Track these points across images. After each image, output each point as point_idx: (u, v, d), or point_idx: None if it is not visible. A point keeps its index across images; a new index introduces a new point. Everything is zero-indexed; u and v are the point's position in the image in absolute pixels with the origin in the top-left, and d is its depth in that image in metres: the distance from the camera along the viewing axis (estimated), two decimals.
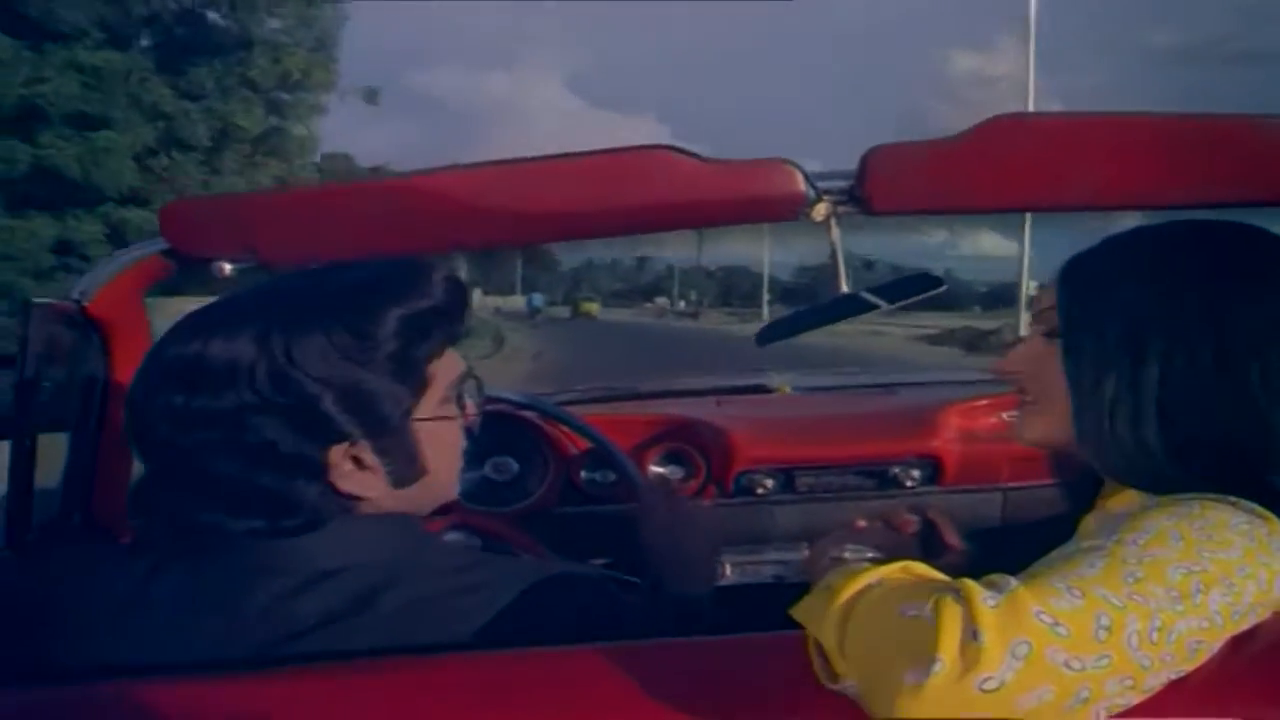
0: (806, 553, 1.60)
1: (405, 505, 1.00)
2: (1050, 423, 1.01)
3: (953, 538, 1.16)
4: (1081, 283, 1.01)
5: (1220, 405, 0.91)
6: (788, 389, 2.46)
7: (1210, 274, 0.95)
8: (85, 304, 1.28)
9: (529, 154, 1.17)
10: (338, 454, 0.94)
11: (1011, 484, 1.87)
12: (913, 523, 1.15)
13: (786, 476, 1.91)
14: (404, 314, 0.96)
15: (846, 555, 1.00)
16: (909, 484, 1.89)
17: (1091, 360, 0.96)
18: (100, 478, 1.36)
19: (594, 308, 63.02)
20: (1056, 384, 0.99)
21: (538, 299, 52.81)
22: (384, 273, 1.00)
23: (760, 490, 1.90)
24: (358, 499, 0.96)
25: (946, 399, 2.01)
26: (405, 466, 0.98)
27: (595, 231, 1.23)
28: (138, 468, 1.23)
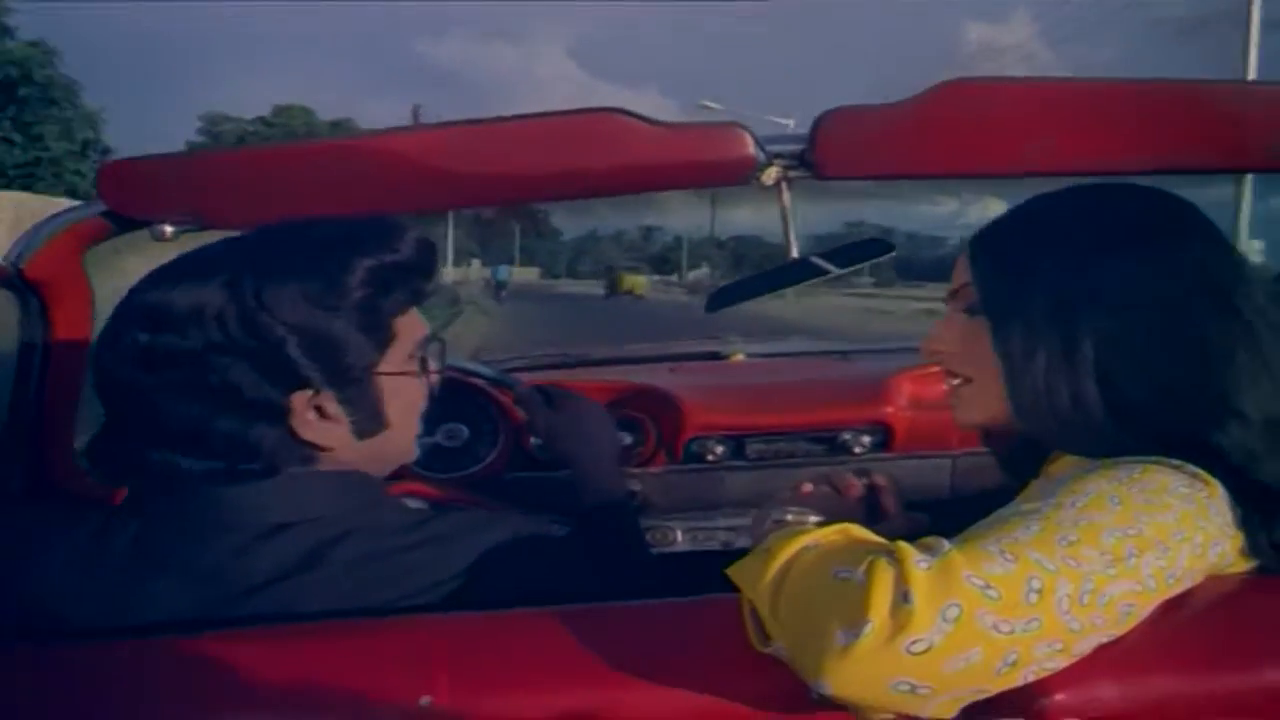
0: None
1: (366, 458, 1.01)
2: (987, 401, 1.00)
3: (894, 503, 1.16)
4: (996, 257, 1.00)
5: (1155, 362, 0.91)
6: (741, 355, 2.46)
7: (1123, 234, 0.96)
8: (21, 266, 1.25)
9: None
10: (300, 401, 0.96)
11: (960, 451, 1.89)
12: (857, 486, 1.15)
13: (737, 443, 1.91)
14: (372, 265, 0.98)
15: (789, 518, 1.00)
16: (859, 450, 1.90)
17: (1020, 333, 0.95)
18: (42, 439, 1.34)
19: (640, 283, 43.92)
20: (985, 361, 0.98)
21: (504, 271, 44.25)
22: (356, 228, 1.01)
23: (710, 457, 1.90)
24: (318, 449, 0.98)
25: (899, 366, 2.02)
26: (367, 419, 1.00)
27: (544, 194, 1.22)
28: (88, 426, 1.21)
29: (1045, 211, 1.02)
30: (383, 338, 1.00)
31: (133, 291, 0.98)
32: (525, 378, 1.81)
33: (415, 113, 42.76)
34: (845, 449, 1.90)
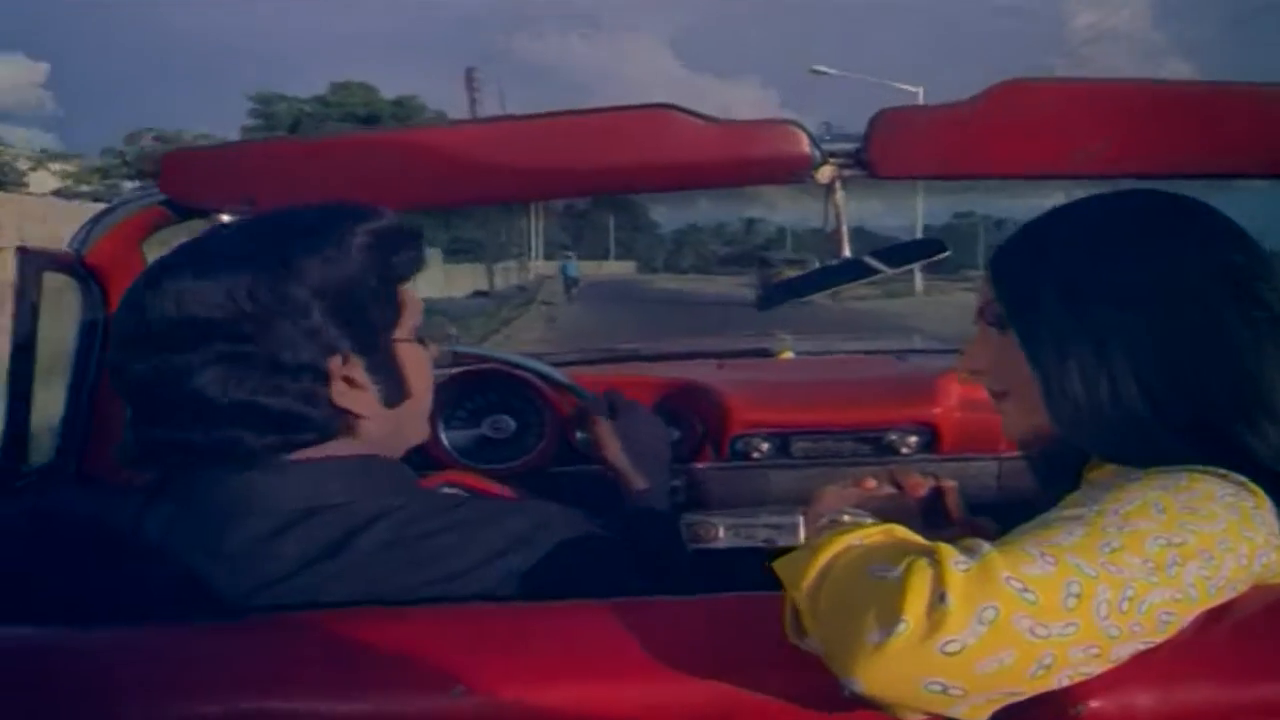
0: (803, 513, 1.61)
1: (393, 429, 1.03)
2: (1026, 413, 1.00)
3: (958, 507, 1.15)
4: (1015, 272, 1.00)
5: (1182, 362, 0.90)
6: (790, 353, 2.45)
7: (1138, 235, 0.95)
8: (84, 253, 1.28)
9: None
10: (335, 366, 0.97)
11: (1008, 453, 1.87)
12: (922, 486, 1.14)
13: (782, 441, 1.90)
14: (372, 228, 1.00)
15: (845, 519, 1.00)
16: (905, 450, 1.89)
17: (1051, 345, 0.94)
18: (97, 425, 1.36)
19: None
20: (1022, 374, 0.97)
21: (573, 266, 40.16)
22: (341, 205, 1.04)
23: (756, 454, 1.89)
24: (355, 415, 0.99)
25: (948, 367, 2.00)
26: (393, 387, 1.02)
27: (599, 189, 1.23)
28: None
29: (1060, 221, 1.01)
30: (394, 303, 1.03)
31: (148, 276, 0.99)
32: (573, 372, 1.81)
33: (469, 76, 42.70)
34: (891, 449, 1.89)
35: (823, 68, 33.24)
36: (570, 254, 47.77)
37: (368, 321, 1.00)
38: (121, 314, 0.99)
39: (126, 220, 1.27)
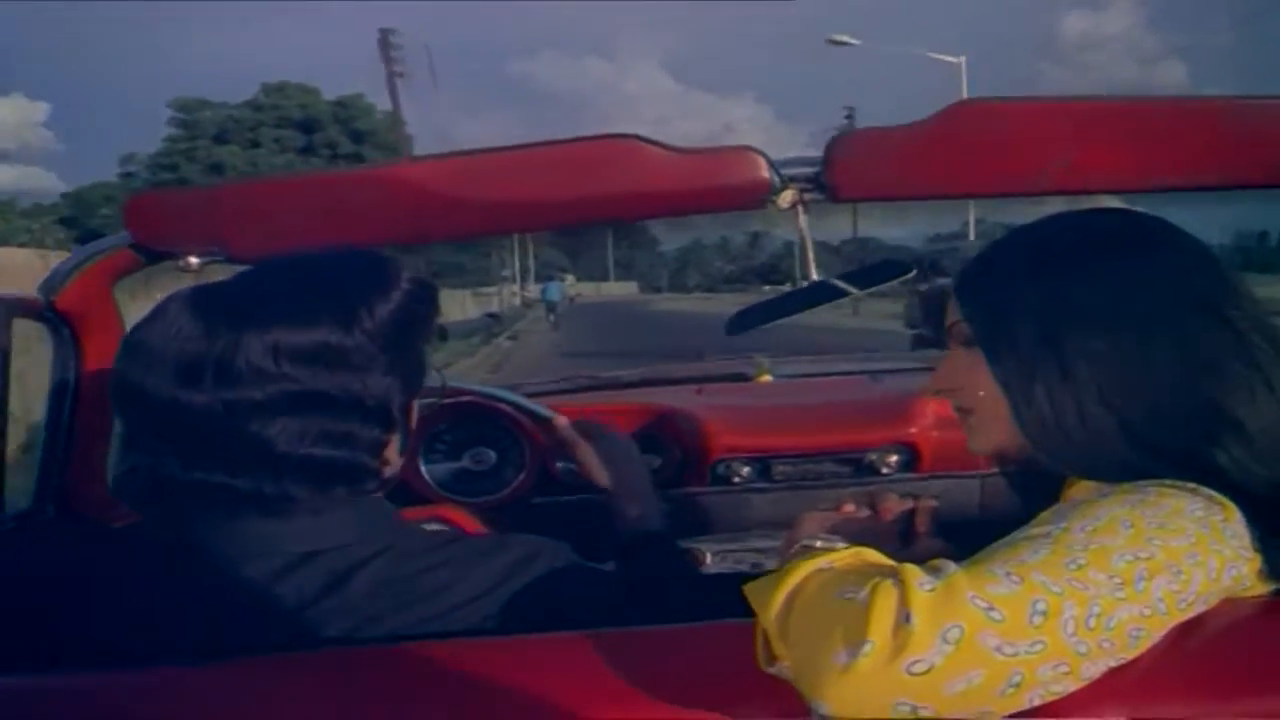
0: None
1: (395, 474, 1.05)
2: (997, 432, 1.00)
3: (923, 529, 1.15)
4: (981, 292, 1.00)
5: (1147, 379, 0.90)
6: (768, 376, 2.46)
7: (1102, 254, 0.95)
8: (53, 298, 1.28)
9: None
10: (397, 414, 1.00)
11: (989, 471, 1.87)
12: (897, 508, 1.14)
13: (763, 465, 1.90)
14: (415, 278, 1.03)
15: (817, 545, 1.00)
16: (885, 471, 1.89)
17: (1016, 364, 0.95)
18: (74, 468, 1.36)
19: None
20: (990, 392, 0.98)
21: (555, 289, 36.09)
22: (380, 258, 1.05)
23: (737, 479, 1.90)
24: (386, 464, 1.02)
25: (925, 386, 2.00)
26: (407, 435, 1.05)
27: (563, 221, 1.23)
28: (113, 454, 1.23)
29: (1022, 241, 1.02)
30: (423, 353, 1.06)
31: (207, 309, 0.96)
32: (550, 401, 1.82)
33: (384, 41, 41.51)
34: (872, 470, 1.90)
35: (844, 37, 29.21)
36: (554, 275, 45.05)
37: (413, 370, 1.03)
38: (177, 343, 0.94)
39: (95, 265, 1.27)
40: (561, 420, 1.54)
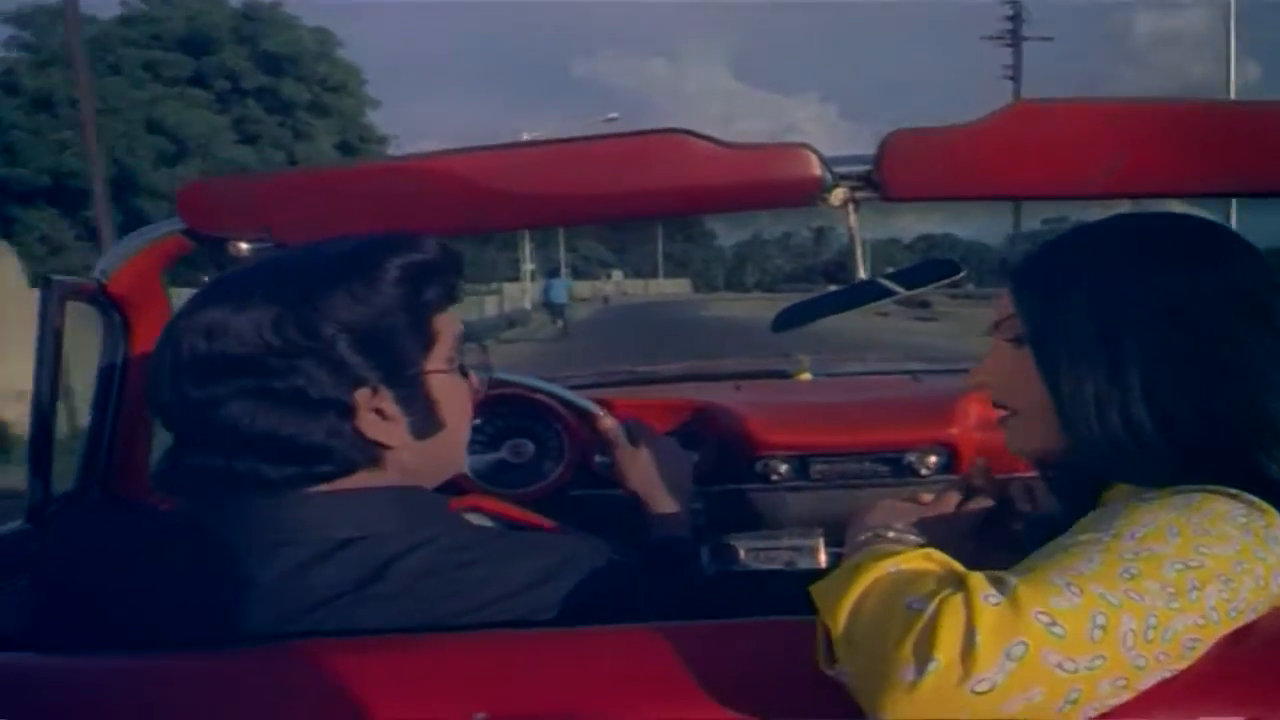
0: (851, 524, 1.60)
1: (425, 460, 1.04)
2: (1036, 431, 1.00)
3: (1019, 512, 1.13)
4: (1039, 287, 1.00)
5: (1198, 385, 0.90)
6: (808, 374, 2.45)
7: (1161, 258, 0.95)
8: (105, 282, 1.30)
9: None
10: (362, 398, 0.98)
11: (1029, 473, 1.86)
12: (969, 506, 1.12)
13: (801, 462, 1.90)
14: (403, 263, 1.01)
15: (890, 535, 0.99)
16: (925, 472, 1.88)
17: (1067, 363, 0.94)
18: (119, 452, 1.38)
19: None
20: (1034, 391, 0.97)
21: (560, 289, 29.12)
22: (379, 236, 1.05)
23: (774, 476, 1.89)
24: (383, 447, 1.00)
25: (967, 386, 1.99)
26: (424, 418, 1.02)
27: (612, 215, 1.24)
28: (158, 444, 1.24)
29: (1083, 240, 1.01)
30: (426, 335, 1.03)
31: (186, 309, 1.01)
32: (591, 394, 1.82)
33: None
34: (910, 470, 1.88)
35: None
36: (557, 271, 36.28)
37: (397, 354, 1.01)
38: (160, 346, 1.00)
39: (146, 249, 1.29)
40: (608, 422, 1.54)
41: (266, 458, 0.96)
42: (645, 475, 1.44)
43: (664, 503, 1.42)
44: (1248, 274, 0.95)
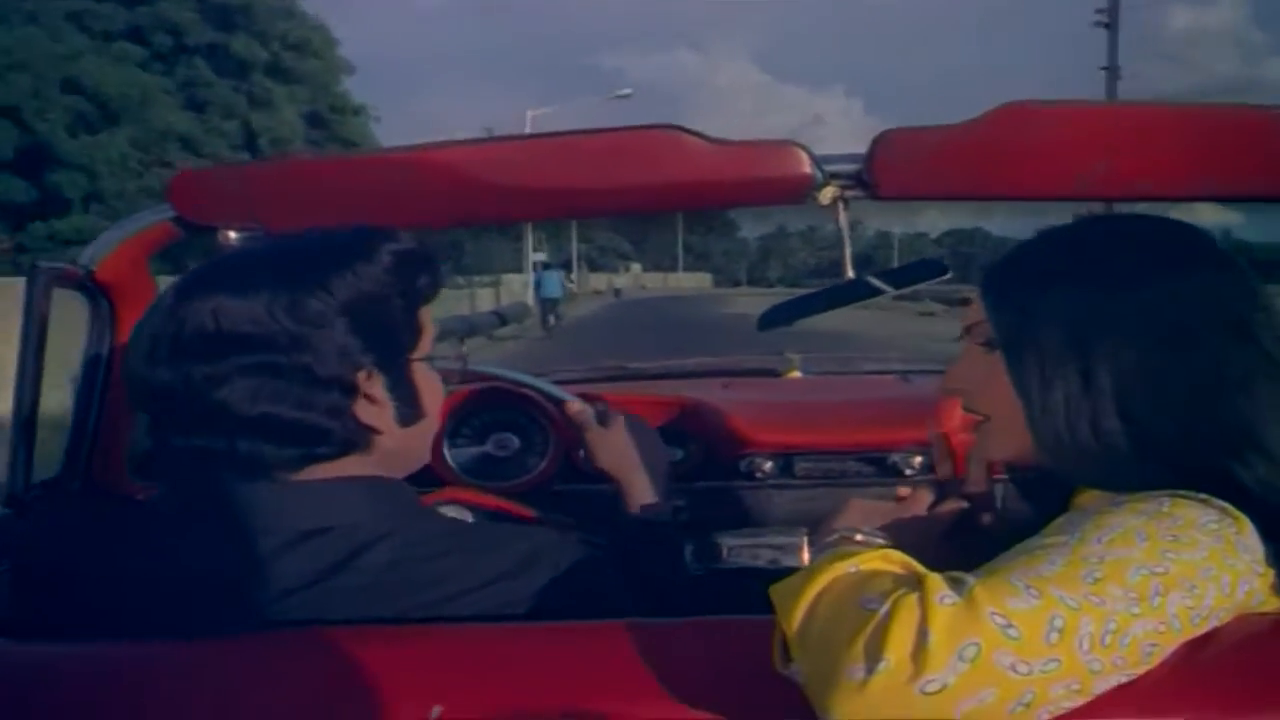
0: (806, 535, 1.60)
1: (404, 448, 1.05)
2: (1008, 437, 0.99)
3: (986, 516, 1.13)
4: (1010, 292, 0.99)
5: (1174, 394, 0.90)
6: (797, 372, 2.45)
7: (1136, 264, 0.94)
8: (93, 269, 1.29)
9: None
10: (361, 380, 0.99)
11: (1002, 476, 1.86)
12: (940, 507, 1.12)
13: (786, 461, 1.90)
14: (397, 249, 1.03)
15: (858, 538, 0.98)
16: (909, 472, 1.88)
17: (1037, 368, 0.93)
18: (103, 440, 1.37)
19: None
20: (1006, 397, 0.97)
21: (553, 282, 26.56)
22: (366, 226, 1.06)
23: (759, 474, 1.89)
24: (373, 431, 1.01)
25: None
26: (408, 406, 1.04)
27: (603, 209, 1.24)
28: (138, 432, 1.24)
29: (1057, 244, 1.00)
30: (416, 324, 1.05)
31: (182, 290, 1.00)
32: (578, 390, 1.82)
33: None
34: (895, 470, 1.89)
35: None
36: (550, 263, 32.30)
37: (392, 340, 1.02)
38: (149, 324, 1.00)
39: (135, 236, 1.28)
40: (575, 405, 1.54)
41: (267, 437, 0.96)
42: (616, 456, 1.43)
43: (638, 482, 1.41)
44: (1224, 282, 0.94)
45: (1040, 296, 0.95)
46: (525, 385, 1.79)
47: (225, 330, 0.96)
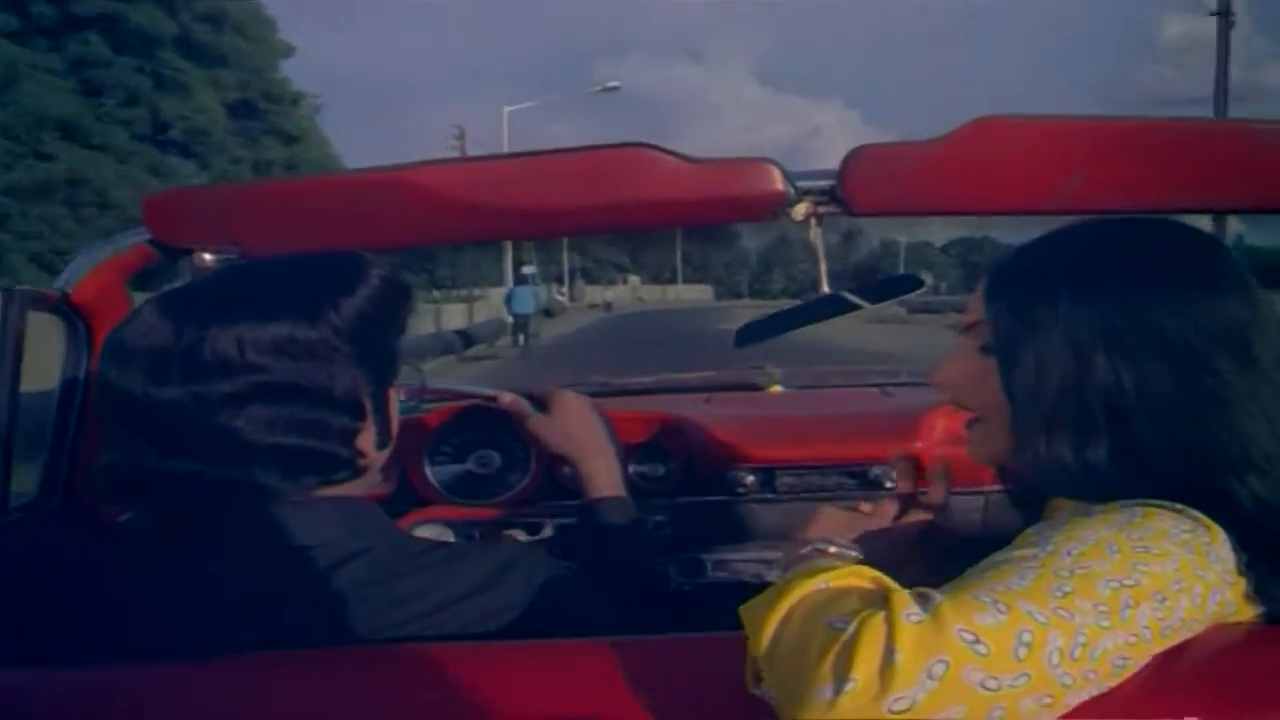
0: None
1: (375, 471, 1.07)
2: (999, 438, 0.99)
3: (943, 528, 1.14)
4: (1011, 298, 0.98)
5: (1172, 413, 0.89)
6: (778, 386, 2.46)
7: (1149, 281, 0.93)
8: (69, 291, 1.29)
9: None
10: (367, 404, 1.02)
11: (995, 488, 1.87)
12: (908, 517, 1.13)
13: (767, 475, 1.90)
14: (383, 274, 1.06)
15: (831, 551, 0.98)
16: (890, 485, 1.89)
17: (1030, 375, 0.93)
18: (81, 463, 1.37)
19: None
20: (998, 399, 0.96)
21: (525, 297, 24.05)
22: (355, 255, 1.09)
23: (741, 489, 1.90)
24: (362, 455, 1.03)
25: (936, 401, 2.00)
26: (383, 430, 1.06)
27: (576, 229, 1.24)
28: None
29: (1066, 248, 1.00)
30: (397, 349, 1.08)
31: (179, 308, 1.00)
32: None
33: None
34: (877, 484, 1.89)
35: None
36: (526, 277, 27.81)
37: (385, 365, 1.05)
38: (146, 341, 0.98)
39: (111, 260, 1.28)
40: (507, 397, 1.54)
41: (282, 466, 0.97)
42: (561, 436, 1.42)
43: (591, 459, 1.39)
44: (1233, 297, 0.93)
45: (1038, 304, 0.94)
46: (452, 392, 1.80)
47: (234, 354, 0.96)
